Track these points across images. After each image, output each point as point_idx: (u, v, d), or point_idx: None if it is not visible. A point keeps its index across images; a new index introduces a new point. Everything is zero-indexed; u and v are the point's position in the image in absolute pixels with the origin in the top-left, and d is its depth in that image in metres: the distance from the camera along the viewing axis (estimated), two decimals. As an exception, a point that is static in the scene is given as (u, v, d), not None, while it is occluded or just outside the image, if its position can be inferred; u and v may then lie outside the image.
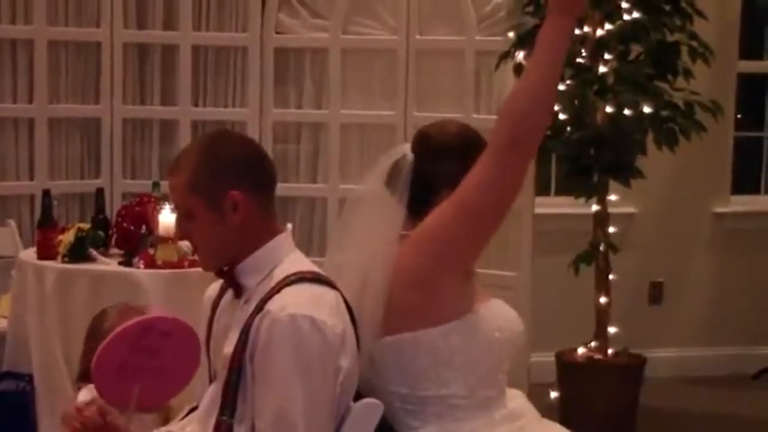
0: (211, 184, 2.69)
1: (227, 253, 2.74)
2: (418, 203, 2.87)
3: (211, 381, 2.86)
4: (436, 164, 2.89)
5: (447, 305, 2.75)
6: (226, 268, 2.76)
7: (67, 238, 4.95)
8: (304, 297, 2.63)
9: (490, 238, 2.76)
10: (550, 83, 2.70)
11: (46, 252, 4.99)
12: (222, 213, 2.69)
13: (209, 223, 2.70)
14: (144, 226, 5.08)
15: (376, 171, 2.95)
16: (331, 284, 2.71)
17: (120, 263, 4.96)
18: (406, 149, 2.95)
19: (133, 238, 5.07)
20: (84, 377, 3.33)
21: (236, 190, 2.69)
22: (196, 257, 4.92)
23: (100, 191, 5.40)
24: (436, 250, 2.72)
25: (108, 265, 4.94)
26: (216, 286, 2.91)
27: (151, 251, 4.95)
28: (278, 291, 2.64)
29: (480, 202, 2.68)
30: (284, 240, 2.78)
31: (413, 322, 2.75)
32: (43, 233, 5.06)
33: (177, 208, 2.77)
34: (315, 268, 2.75)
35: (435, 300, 2.74)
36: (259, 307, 2.64)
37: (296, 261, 2.75)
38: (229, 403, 2.66)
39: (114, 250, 5.12)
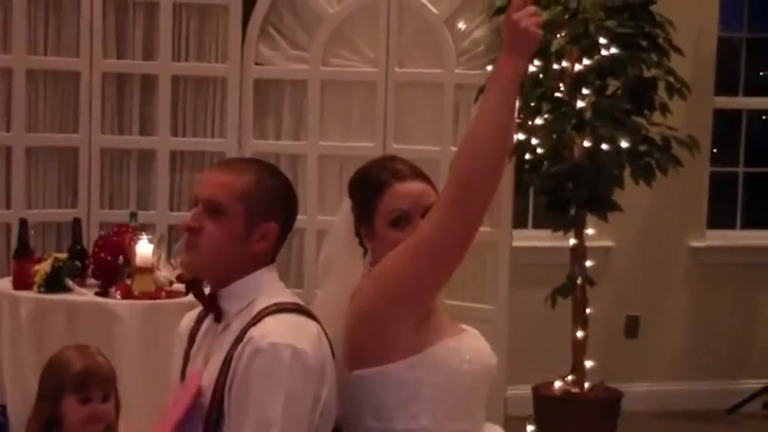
0: (260, 205, 2.72)
1: (222, 266, 2.73)
2: (360, 239, 2.89)
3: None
4: (352, 198, 2.91)
5: (407, 340, 2.72)
6: (208, 291, 2.76)
7: (44, 268, 4.93)
8: (285, 326, 2.63)
9: (447, 279, 2.73)
10: (502, 122, 2.65)
11: (22, 282, 4.97)
12: (250, 234, 2.71)
13: (233, 235, 2.70)
14: (121, 257, 5.07)
15: (343, 207, 2.96)
16: (312, 316, 2.71)
17: (97, 294, 4.95)
18: None
19: (110, 268, 5.06)
20: (43, 428, 3.16)
21: (275, 223, 2.73)
22: (173, 287, 4.98)
23: (77, 221, 5.38)
24: (390, 291, 2.69)
25: (84, 295, 4.92)
26: (192, 314, 2.90)
27: (128, 282, 4.94)
28: (259, 320, 2.64)
29: (435, 245, 2.64)
30: (270, 271, 2.78)
31: (377, 357, 2.73)
32: (20, 263, 5.05)
33: (206, 202, 2.72)
34: (296, 299, 2.75)
35: (394, 337, 2.72)
36: (240, 337, 2.63)
37: (278, 292, 2.76)
38: None
39: (91, 281, 5.11)
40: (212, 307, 2.77)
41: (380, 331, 2.71)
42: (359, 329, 2.74)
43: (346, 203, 2.93)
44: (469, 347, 2.84)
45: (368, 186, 2.86)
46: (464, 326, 2.95)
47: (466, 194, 2.62)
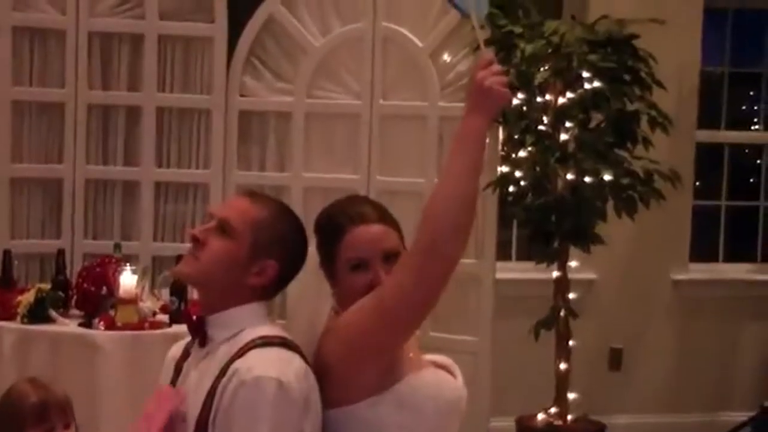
0: (267, 240, 2.71)
1: (212, 289, 2.73)
2: (329, 278, 2.85)
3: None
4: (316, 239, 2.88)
5: (369, 386, 2.72)
6: (195, 317, 2.76)
7: (27, 298, 4.93)
8: (270, 360, 2.62)
9: (410, 336, 2.70)
10: (468, 185, 2.59)
11: (5, 312, 4.97)
12: (249, 265, 2.71)
13: (233, 258, 2.70)
14: (104, 288, 5.06)
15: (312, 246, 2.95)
16: (297, 349, 2.71)
17: (80, 324, 4.94)
18: None
19: (93, 299, 5.06)
20: None
21: (276, 263, 2.72)
22: (156, 318, 4.98)
23: (60, 252, 5.37)
24: (354, 347, 2.67)
25: (68, 326, 4.91)
26: (180, 345, 2.89)
27: (111, 313, 4.93)
28: (244, 353, 2.64)
29: (396, 308, 2.60)
30: (261, 307, 2.78)
31: (341, 399, 2.71)
32: (3, 294, 5.04)
33: (219, 219, 2.73)
34: (283, 333, 2.75)
35: (356, 386, 2.70)
36: (224, 370, 2.63)
37: (266, 326, 2.75)
38: None
39: (74, 311, 5.10)
40: (198, 332, 2.76)
41: (343, 380, 2.69)
42: (321, 374, 2.72)
43: (314, 242, 2.92)
44: (433, 382, 2.79)
45: (327, 230, 2.84)
46: (435, 357, 2.93)
47: (430, 259, 2.56)
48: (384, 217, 2.84)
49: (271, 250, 2.73)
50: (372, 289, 2.70)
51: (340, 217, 2.83)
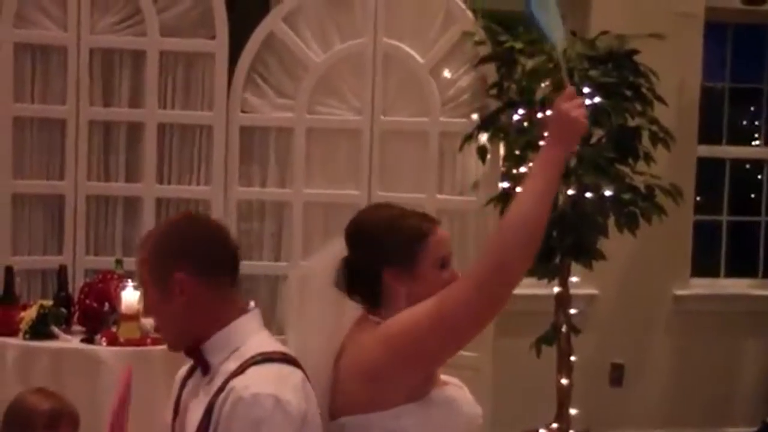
0: (160, 265, 2.72)
1: (183, 332, 2.73)
2: (370, 293, 2.87)
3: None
4: (367, 249, 2.89)
5: (403, 394, 2.74)
6: (191, 347, 2.76)
7: (29, 315, 4.94)
8: (268, 376, 2.62)
9: (461, 348, 2.75)
10: (541, 213, 2.70)
11: (7, 329, 4.97)
12: (169, 293, 2.70)
13: (159, 302, 2.73)
14: (107, 304, 5.07)
15: (328, 256, 2.95)
16: (297, 364, 2.71)
17: (82, 340, 4.94)
18: (341, 241, 2.95)
19: (95, 315, 5.06)
20: None
21: (181, 272, 2.69)
22: (158, 335, 4.98)
23: (62, 268, 5.38)
24: (405, 354, 2.70)
25: (70, 342, 4.92)
26: (188, 365, 2.90)
27: (113, 329, 4.94)
28: (243, 371, 2.64)
29: (457, 322, 2.67)
30: (250, 320, 2.77)
31: (365, 406, 2.73)
32: (5, 310, 5.05)
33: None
34: (282, 348, 2.74)
35: (393, 392, 2.72)
36: (222, 387, 2.63)
37: (262, 341, 2.74)
38: None
39: (76, 328, 5.11)
40: (198, 361, 2.77)
41: (382, 386, 2.72)
42: (357, 380, 2.73)
43: (336, 253, 2.92)
44: (455, 398, 2.84)
45: (409, 234, 2.87)
46: (446, 377, 2.96)
47: (495, 278, 2.66)
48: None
49: (168, 269, 2.71)
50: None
51: (419, 221, 2.92)
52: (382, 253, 2.87)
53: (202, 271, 2.71)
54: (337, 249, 2.93)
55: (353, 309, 2.89)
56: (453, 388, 2.89)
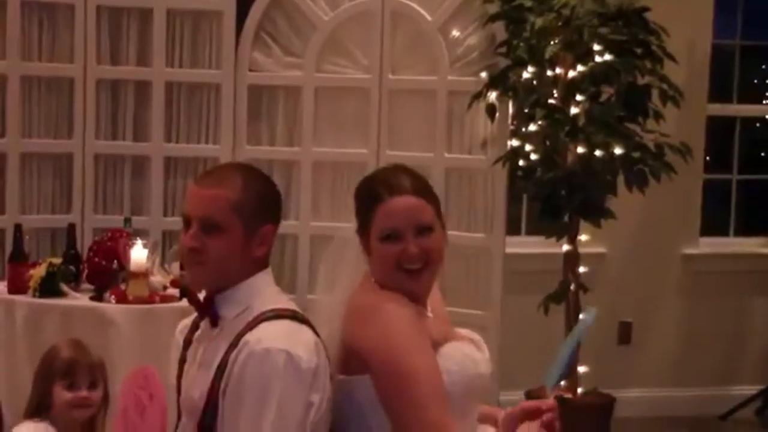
0: (254, 211, 2.73)
1: (228, 277, 2.74)
2: (364, 246, 2.86)
3: (179, 417, 2.85)
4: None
5: None
6: (207, 297, 2.77)
7: (39, 272, 4.95)
8: (280, 332, 2.63)
9: None
10: None
11: (17, 286, 4.99)
12: (249, 241, 2.72)
13: (234, 246, 2.71)
14: (115, 262, 5.08)
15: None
16: (307, 322, 2.71)
17: (91, 298, 4.96)
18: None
19: (104, 273, 5.08)
20: (33, 413, 3.39)
21: (271, 224, 2.75)
22: (167, 292, 4.99)
23: (71, 226, 5.39)
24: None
25: (79, 300, 4.93)
26: (187, 322, 2.90)
27: (122, 286, 4.95)
28: (255, 326, 2.65)
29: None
30: (266, 276, 2.79)
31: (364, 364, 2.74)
32: (14, 268, 5.06)
33: (201, 221, 2.72)
34: (293, 306, 2.76)
35: None
36: (235, 343, 2.64)
37: (274, 297, 2.76)
38: None
39: (85, 285, 5.12)
40: (208, 313, 2.77)
41: None
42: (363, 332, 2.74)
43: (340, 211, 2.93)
44: (459, 356, 2.82)
45: (365, 198, 2.85)
46: (467, 333, 2.95)
47: None
48: (422, 190, 2.85)
49: (261, 218, 2.74)
50: (401, 260, 2.75)
51: (378, 186, 2.82)
52: (356, 217, 2.87)
53: (279, 222, 2.81)
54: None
55: None
56: (462, 345, 2.88)
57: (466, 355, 2.85)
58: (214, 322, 2.75)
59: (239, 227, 2.71)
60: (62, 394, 3.33)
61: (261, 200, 2.75)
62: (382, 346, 2.66)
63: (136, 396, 3.50)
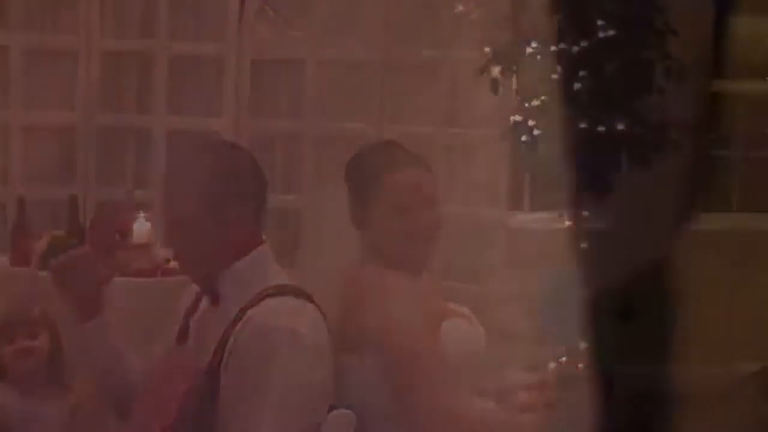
0: (220, 192, 2.69)
1: (215, 261, 2.72)
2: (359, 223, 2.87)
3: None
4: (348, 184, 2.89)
5: None
6: (204, 277, 2.76)
7: (41, 245, 4.94)
8: (283, 309, 2.62)
9: None
10: None
11: (20, 259, 4.99)
12: (223, 221, 2.68)
13: (207, 231, 2.69)
14: (118, 234, 5.07)
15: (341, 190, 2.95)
16: (310, 299, 2.71)
17: (93, 271, 4.95)
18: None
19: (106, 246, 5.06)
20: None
21: (240, 200, 2.70)
22: (170, 265, 4.99)
23: (73, 199, 5.38)
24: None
25: (81, 272, 4.92)
26: (191, 291, 2.89)
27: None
28: (258, 302, 2.64)
29: None
30: (266, 251, 2.77)
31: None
32: (17, 240, 5.06)
33: (168, 223, 2.75)
34: (294, 282, 2.75)
35: None
36: (238, 318, 2.63)
37: (276, 273, 2.75)
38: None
39: (87, 258, 5.11)
40: (209, 290, 2.76)
41: None
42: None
43: (343, 186, 2.91)
44: (456, 333, 2.82)
45: (365, 173, 2.84)
46: (456, 307, 2.95)
47: None
48: (422, 163, 2.86)
49: (227, 195, 2.70)
50: (409, 233, 2.74)
51: (380, 160, 2.83)
52: (350, 194, 2.85)
53: (253, 197, 2.74)
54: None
55: None
56: (459, 319, 2.88)
57: (464, 332, 2.85)
58: (215, 299, 2.74)
59: (204, 212, 2.69)
60: (3, 349, 3.48)
61: (225, 179, 2.71)
62: (387, 325, 2.67)
63: None
